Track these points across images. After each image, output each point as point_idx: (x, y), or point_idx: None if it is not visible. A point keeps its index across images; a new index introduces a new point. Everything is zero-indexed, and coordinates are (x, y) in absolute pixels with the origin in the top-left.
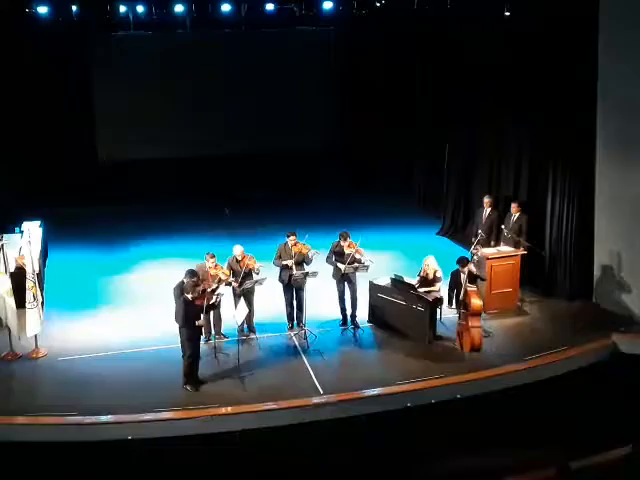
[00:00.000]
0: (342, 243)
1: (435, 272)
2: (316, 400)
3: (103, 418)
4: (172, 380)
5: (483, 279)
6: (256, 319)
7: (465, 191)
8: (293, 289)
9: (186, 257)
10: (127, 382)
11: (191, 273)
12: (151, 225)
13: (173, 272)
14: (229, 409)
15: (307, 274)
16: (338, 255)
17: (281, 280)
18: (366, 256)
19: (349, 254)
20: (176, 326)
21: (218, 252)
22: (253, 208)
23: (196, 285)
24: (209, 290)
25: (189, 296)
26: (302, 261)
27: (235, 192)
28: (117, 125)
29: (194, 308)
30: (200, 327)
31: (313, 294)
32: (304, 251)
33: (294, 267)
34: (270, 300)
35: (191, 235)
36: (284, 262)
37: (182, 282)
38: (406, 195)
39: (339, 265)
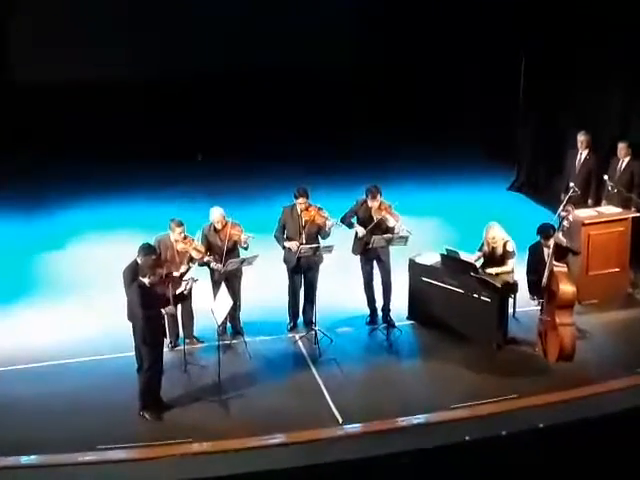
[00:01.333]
0: (369, 202)
1: (505, 245)
2: (333, 432)
3: (24, 460)
4: (124, 404)
5: (576, 253)
6: (245, 315)
7: (549, 127)
8: (300, 272)
9: (141, 227)
10: (59, 407)
11: (147, 249)
12: (89, 179)
13: (122, 249)
14: (206, 445)
15: (318, 249)
16: (362, 220)
17: (287, 263)
18: (403, 224)
19: (378, 219)
20: (129, 325)
21: (189, 219)
22: (242, 153)
23: (156, 265)
24: (175, 274)
25: (146, 281)
26: (316, 234)
27: (213, 129)
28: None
29: (154, 298)
30: (164, 322)
31: (328, 279)
32: (319, 220)
33: (300, 245)
34: (265, 288)
35: (148, 194)
36: (286, 244)
37: (135, 262)
38: (466, 140)
39: (358, 229)
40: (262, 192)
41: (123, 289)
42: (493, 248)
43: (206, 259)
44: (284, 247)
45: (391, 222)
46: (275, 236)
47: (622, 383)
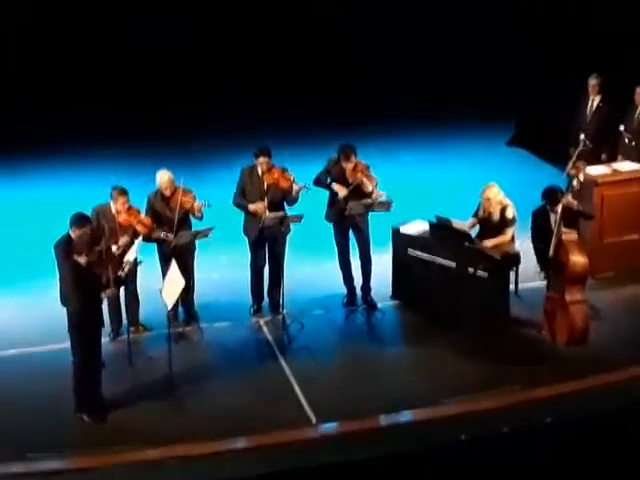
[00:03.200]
0: (344, 164)
1: (504, 210)
2: (305, 434)
3: None
4: (57, 404)
5: (589, 217)
6: (199, 298)
7: (553, 70)
8: (264, 246)
9: (73, 194)
10: None
11: (81, 220)
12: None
13: (53, 220)
14: (157, 452)
15: (285, 218)
16: (335, 182)
17: (247, 233)
18: (379, 191)
19: (353, 183)
20: (63, 311)
21: (133, 186)
22: (189, 106)
23: (93, 240)
24: (116, 250)
25: (81, 259)
26: (281, 199)
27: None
28: None
29: (90, 278)
30: (101, 308)
31: (297, 253)
32: (284, 183)
33: (266, 209)
34: (222, 265)
35: (81, 152)
36: (250, 207)
37: (68, 236)
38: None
39: (336, 187)
40: (217, 152)
41: (55, 267)
42: (489, 213)
43: (154, 235)
44: (246, 214)
45: (368, 187)
46: (234, 202)
47: None
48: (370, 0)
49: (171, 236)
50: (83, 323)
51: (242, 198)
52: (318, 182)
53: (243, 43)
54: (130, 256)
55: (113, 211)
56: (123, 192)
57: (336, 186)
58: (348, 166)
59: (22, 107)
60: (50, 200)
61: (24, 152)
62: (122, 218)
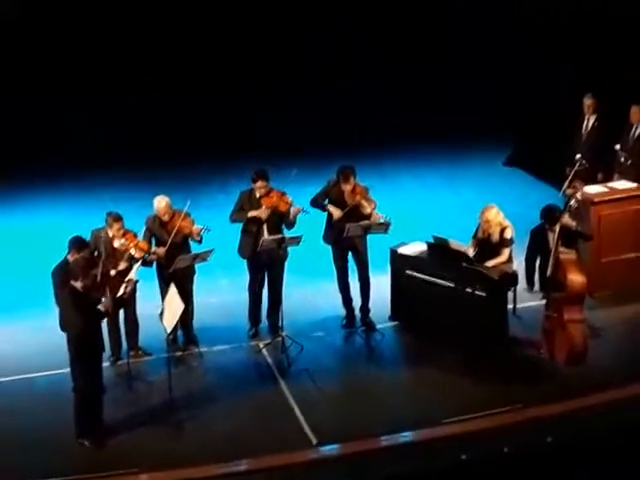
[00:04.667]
0: (342, 186)
1: (503, 231)
2: (306, 456)
3: None
4: (58, 430)
5: (588, 238)
6: (198, 321)
7: (550, 89)
8: (263, 269)
9: (70, 220)
10: None
11: (79, 244)
12: None
13: (51, 246)
14: (157, 476)
15: (284, 240)
16: (334, 204)
17: (242, 253)
18: (378, 213)
19: (351, 205)
20: (63, 336)
21: (129, 212)
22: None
23: (89, 265)
24: (114, 274)
25: (78, 284)
26: (279, 222)
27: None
28: None
29: (88, 303)
30: (102, 332)
31: (296, 276)
32: (282, 207)
33: (265, 231)
34: (221, 289)
35: (77, 179)
36: (251, 213)
37: (66, 261)
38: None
39: (331, 208)
40: (215, 175)
41: (53, 293)
42: (489, 235)
43: (151, 257)
44: (242, 235)
45: (367, 209)
46: (232, 219)
47: None
48: (365, 26)
49: (160, 250)
50: (84, 348)
51: (240, 212)
52: (315, 203)
53: (237, 63)
54: (130, 276)
55: (109, 235)
56: (118, 218)
57: (331, 207)
58: (347, 188)
59: (19, 131)
60: (47, 227)
61: (22, 178)
62: (118, 243)
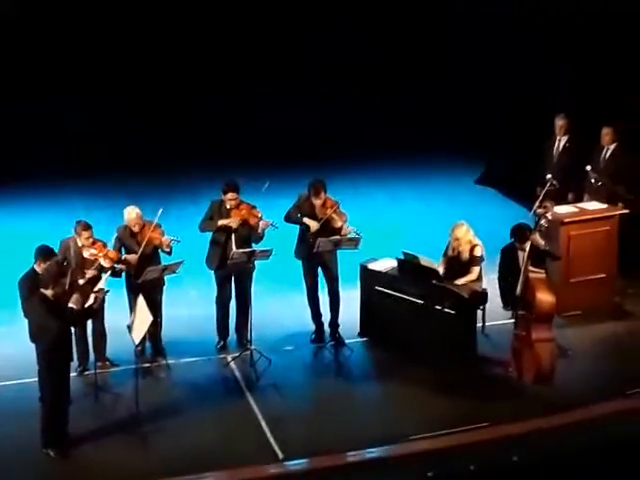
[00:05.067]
0: (314, 200)
1: (472, 249)
2: (272, 470)
3: None
4: (23, 441)
5: (556, 258)
6: (167, 334)
7: (522, 110)
8: (231, 280)
9: (38, 228)
10: None
11: (46, 253)
12: None
13: (20, 253)
14: None
15: (253, 254)
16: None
17: (210, 265)
18: (348, 227)
19: (323, 219)
20: (31, 347)
21: (98, 221)
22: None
23: (59, 273)
24: (83, 283)
25: (49, 292)
26: (248, 236)
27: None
28: None
29: (58, 311)
30: (71, 342)
31: (264, 289)
32: (252, 220)
33: (233, 244)
34: (190, 301)
35: (50, 186)
36: (221, 222)
37: (33, 270)
38: (427, 124)
39: (307, 220)
40: (185, 185)
41: (20, 305)
42: (459, 252)
43: (119, 267)
44: (211, 246)
45: (338, 223)
46: (201, 228)
47: (609, 408)
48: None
49: (133, 257)
50: (54, 358)
51: (210, 221)
52: (289, 219)
53: (214, 74)
54: (100, 286)
55: (79, 244)
56: (87, 227)
57: (307, 220)
58: (317, 202)
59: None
60: (17, 233)
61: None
62: (87, 253)
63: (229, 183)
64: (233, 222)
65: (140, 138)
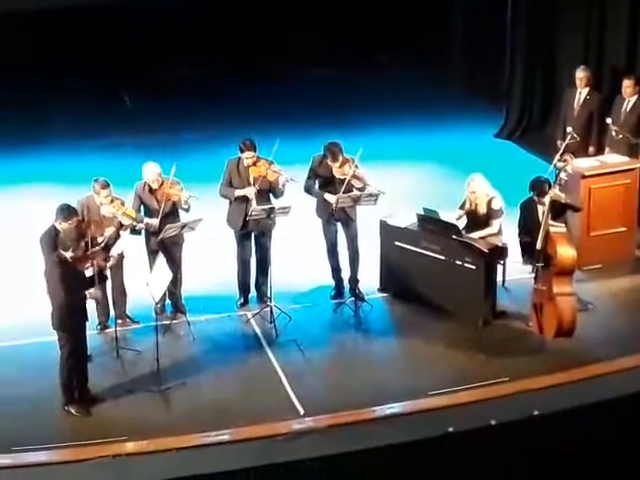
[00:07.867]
0: (330, 162)
1: (490, 202)
2: (293, 426)
3: None
4: (43, 397)
5: (577, 209)
6: (187, 290)
7: (543, 62)
8: (251, 238)
9: (57, 184)
10: None
11: (67, 212)
12: None
13: (34, 212)
14: (143, 444)
15: (272, 210)
16: (323, 181)
17: (231, 224)
18: (369, 182)
19: (343, 180)
20: (48, 305)
21: (116, 178)
22: (178, 92)
23: (79, 234)
24: (101, 243)
25: (67, 254)
26: (267, 192)
27: (142, 62)
28: None
29: (76, 273)
30: (87, 302)
31: (284, 246)
32: (270, 175)
33: (254, 200)
34: (209, 258)
35: (64, 145)
36: (238, 192)
37: (54, 228)
38: (443, 70)
39: (327, 197)
40: (203, 140)
41: (41, 258)
42: (476, 205)
43: (139, 225)
44: (231, 205)
45: (357, 183)
46: (221, 193)
47: (631, 362)
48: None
49: (154, 221)
50: (68, 317)
51: (228, 188)
52: (308, 191)
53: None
54: (116, 250)
55: (97, 203)
56: (105, 185)
57: (327, 196)
58: (335, 164)
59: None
60: (36, 191)
61: (23, 139)
62: (106, 210)
63: (246, 142)
64: (250, 193)
65: (161, 95)
